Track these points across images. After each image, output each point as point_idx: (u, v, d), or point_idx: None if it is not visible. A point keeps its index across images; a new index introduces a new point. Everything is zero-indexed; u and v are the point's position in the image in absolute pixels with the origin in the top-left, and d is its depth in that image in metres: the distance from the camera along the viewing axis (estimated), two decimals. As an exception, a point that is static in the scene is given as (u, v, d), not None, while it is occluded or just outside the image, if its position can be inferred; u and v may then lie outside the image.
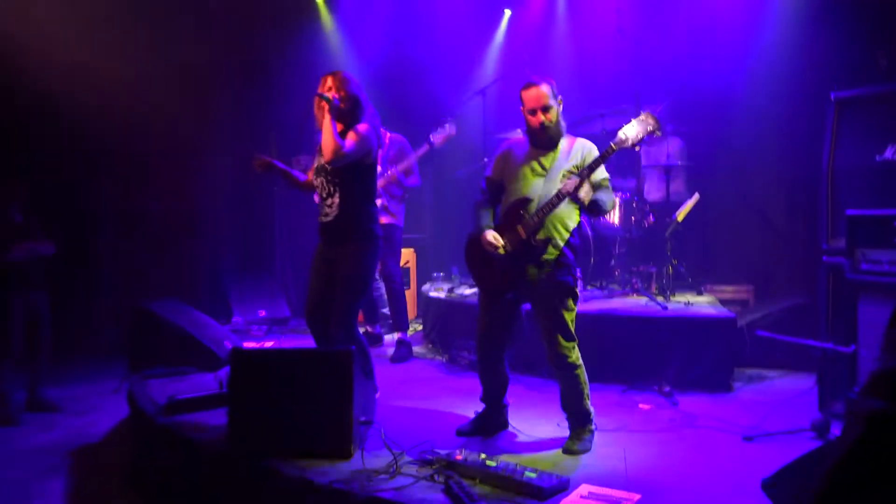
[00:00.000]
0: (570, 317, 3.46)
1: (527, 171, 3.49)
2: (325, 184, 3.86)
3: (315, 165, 3.99)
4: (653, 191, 5.87)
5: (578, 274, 3.66)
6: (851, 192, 3.73)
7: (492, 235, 3.45)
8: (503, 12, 7.73)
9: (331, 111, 3.68)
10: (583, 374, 3.51)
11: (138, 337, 5.13)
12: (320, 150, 3.78)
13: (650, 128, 3.24)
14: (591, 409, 3.56)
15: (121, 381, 5.36)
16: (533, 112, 3.44)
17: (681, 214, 5.55)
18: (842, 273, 3.57)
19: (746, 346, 4.73)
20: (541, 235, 3.39)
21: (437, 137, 5.50)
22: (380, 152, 5.49)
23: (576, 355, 3.48)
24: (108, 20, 6.27)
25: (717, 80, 5.57)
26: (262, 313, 7.25)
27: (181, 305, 5.44)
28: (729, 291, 5.70)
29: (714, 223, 5.88)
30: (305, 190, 4.14)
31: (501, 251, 3.44)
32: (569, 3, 7.18)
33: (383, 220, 5.59)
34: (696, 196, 5.59)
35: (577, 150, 3.48)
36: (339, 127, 3.80)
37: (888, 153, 3.58)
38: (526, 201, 3.43)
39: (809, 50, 4.77)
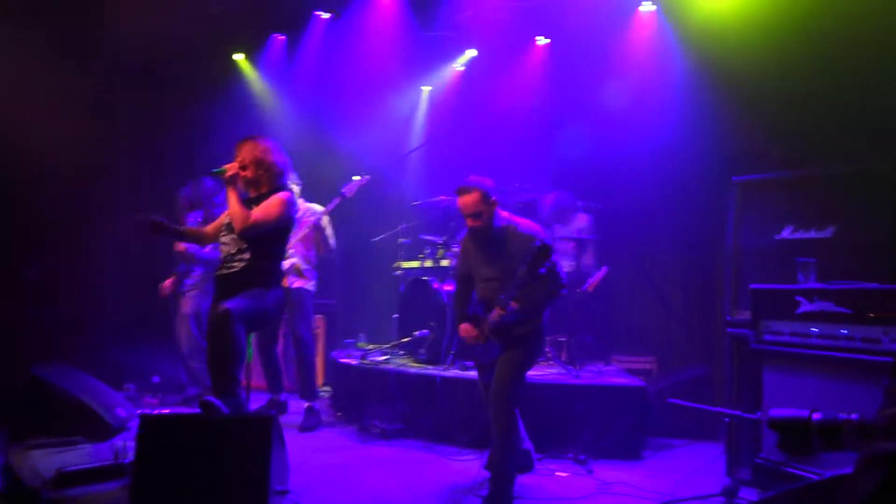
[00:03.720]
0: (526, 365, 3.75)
1: (480, 262, 3.85)
2: (235, 240, 3.92)
3: (224, 222, 3.99)
4: (564, 263, 6.05)
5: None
6: (752, 267, 4.00)
7: (464, 330, 3.81)
8: (421, 90, 8.04)
9: (229, 182, 3.81)
10: None
11: (22, 404, 4.69)
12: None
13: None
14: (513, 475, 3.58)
15: (-6, 453, 4.84)
16: (465, 217, 3.77)
17: (590, 287, 5.76)
18: (746, 343, 3.77)
19: (654, 414, 4.87)
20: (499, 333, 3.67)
21: (348, 188, 5.54)
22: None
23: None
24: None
25: (626, 162, 5.93)
26: (156, 380, 6.83)
27: (71, 370, 5.05)
28: (634, 362, 5.89)
29: (620, 296, 6.12)
30: (200, 242, 4.27)
31: (476, 340, 3.78)
32: (484, 81, 7.47)
33: (295, 283, 5.49)
34: (605, 269, 5.84)
35: (511, 240, 3.72)
36: (253, 192, 3.95)
37: (785, 233, 3.88)
38: (485, 298, 3.78)
39: (710, 139, 5.18)
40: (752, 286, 3.72)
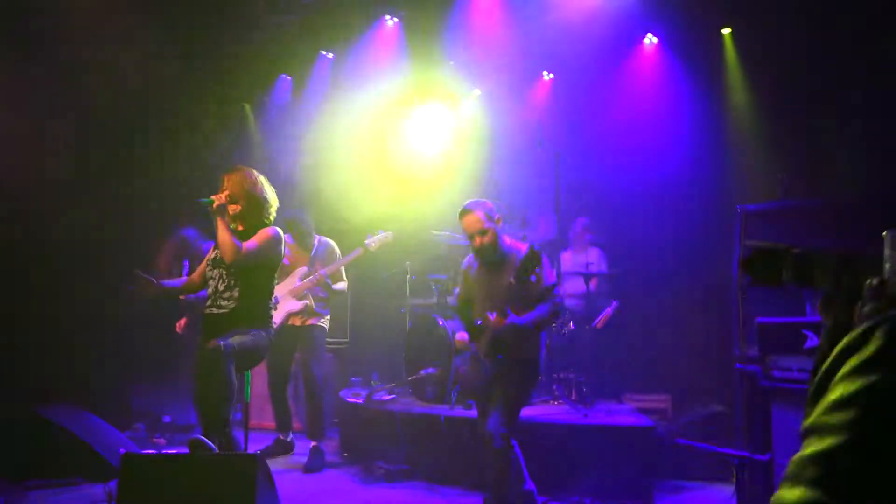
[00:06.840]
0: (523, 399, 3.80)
1: (480, 286, 3.91)
2: (224, 276, 3.87)
3: (210, 257, 3.97)
4: (573, 298, 5.93)
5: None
6: (759, 300, 3.86)
7: (460, 336, 4.06)
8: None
9: (217, 212, 3.72)
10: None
11: (22, 444, 4.67)
12: (216, 245, 3.85)
13: None
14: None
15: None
16: (470, 237, 3.87)
17: (600, 322, 5.63)
18: (755, 380, 3.62)
19: (666, 456, 4.68)
20: (496, 349, 3.69)
21: (372, 242, 5.45)
22: (310, 253, 5.47)
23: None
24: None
25: (633, 194, 5.83)
26: (167, 419, 6.79)
27: (75, 410, 5.03)
28: (647, 400, 5.71)
29: (632, 332, 5.96)
30: (190, 291, 4.29)
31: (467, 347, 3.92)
32: (492, 119, 7.49)
33: (308, 321, 5.43)
34: (615, 304, 5.71)
35: (518, 258, 3.74)
36: (241, 226, 3.91)
37: (791, 264, 3.75)
38: (480, 321, 3.76)
39: (719, 170, 5.09)
40: (759, 320, 3.57)
